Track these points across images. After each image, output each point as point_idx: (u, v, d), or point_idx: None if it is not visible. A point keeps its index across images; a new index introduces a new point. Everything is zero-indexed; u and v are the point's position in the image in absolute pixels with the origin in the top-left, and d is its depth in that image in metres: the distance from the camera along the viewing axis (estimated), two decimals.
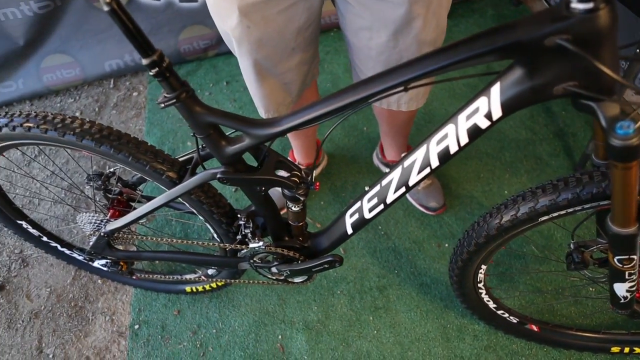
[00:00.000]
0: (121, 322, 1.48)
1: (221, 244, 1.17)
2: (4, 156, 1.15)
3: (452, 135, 0.77)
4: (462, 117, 0.75)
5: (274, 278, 1.20)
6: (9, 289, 1.59)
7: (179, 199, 1.00)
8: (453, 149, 0.78)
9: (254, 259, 1.15)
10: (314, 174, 0.97)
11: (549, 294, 1.42)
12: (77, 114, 2.13)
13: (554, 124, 1.84)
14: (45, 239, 1.40)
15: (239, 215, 1.10)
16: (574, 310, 1.38)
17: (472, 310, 1.26)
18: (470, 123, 0.74)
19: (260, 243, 1.09)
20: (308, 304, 1.46)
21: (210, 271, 1.36)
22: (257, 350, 1.39)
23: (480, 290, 1.18)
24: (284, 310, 1.45)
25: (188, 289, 1.46)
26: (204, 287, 1.44)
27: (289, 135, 1.54)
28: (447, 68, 0.67)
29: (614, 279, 0.91)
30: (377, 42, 1.06)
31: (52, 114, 0.96)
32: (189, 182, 0.94)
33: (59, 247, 1.44)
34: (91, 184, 1.13)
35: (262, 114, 1.26)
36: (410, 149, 1.63)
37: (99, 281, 1.57)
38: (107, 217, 1.16)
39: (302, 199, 0.96)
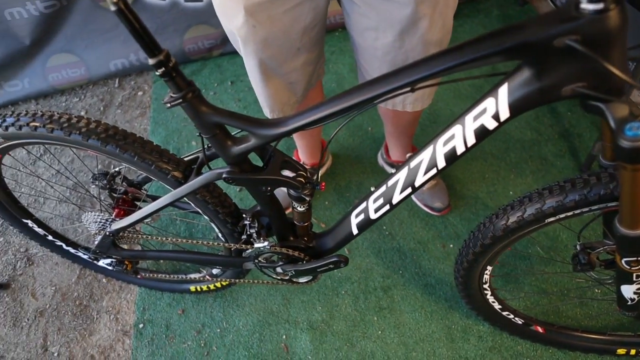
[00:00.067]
0: (126, 321, 1.48)
1: (226, 244, 1.17)
2: (10, 155, 1.16)
3: (459, 136, 0.76)
4: (469, 117, 0.74)
5: (279, 278, 1.20)
6: (14, 287, 1.59)
7: (184, 198, 1.00)
8: (460, 149, 0.77)
9: (259, 258, 1.15)
10: (318, 174, 0.97)
11: (554, 295, 1.41)
12: (82, 113, 2.14)
13: (560, 124, 1.83)
14: (50, 237, 1.40)
15: (244, 215, 1.10)
16: (579, 312, 1.38)
17: (477, 311, 1.26)
18: (477, 124, 0.73)
19: (265, 243, 1.09)
20: (312, 304, 1.46)
21: (214, 271, 1.36)
22: (261, 350, 1.39)
23: (485, 291, 1.17)
24: (288, 310, 1.45)
25: (192, 288, 1.46)
26: (208, 287, 1.44)
27: (294, 135, 1.54)
28: (454, 69, 0.66)
29: (621, 280, 0.91)
30: (383, 42, 1.06)
31: (58, 113, 0.96)
32: (195, 182, 0.94)
33: (64, 245, 1.44)
34: (96, 183, 1.13)
35: (267, 113, 1.26)
36: (415, 149, 1.63)
37: (104, 280, 1.57)
38: (112, 216, 1.16)
39: (307, 199, 0.96)
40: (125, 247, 1.25)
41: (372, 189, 0.96)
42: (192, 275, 1.44)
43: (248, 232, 1.10)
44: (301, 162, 1.66)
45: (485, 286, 1.16)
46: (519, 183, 1.68)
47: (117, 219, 1.14)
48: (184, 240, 1.15)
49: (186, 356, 1.39)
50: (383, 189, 0.92)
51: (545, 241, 1.52)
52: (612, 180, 0.77)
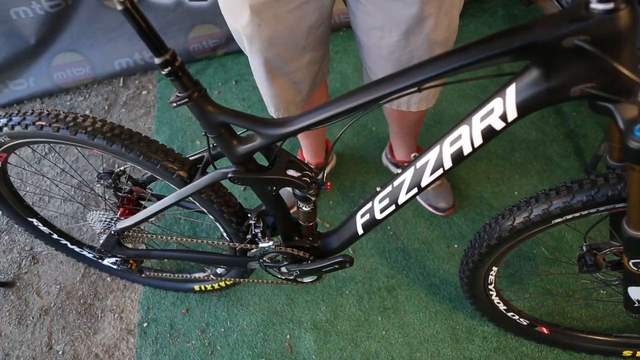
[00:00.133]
0: (130, 319, 1.49)
1: (231, 243, 1.17)
2: (16, 154, 1.16)
3: (466, 137, 0.76)
4: (476, 118, 0.74)
5: (283, 278, 1.20)
6: (19, 285, 1.60)
7: (189, 197, 1.00)
8: (467, 150, 0.77)
9: (264, 258, 1.15)
10: (324, 174, 0.97)
11: (560, 296, 1.41)
12: (87, 112, 2.14)
13: (565, 124, 1.82)
14: (55, 236, 1.40)
15: (249, 215, 1.10)
16: (584, 313, 1.37)
17: (482, 312, 1.26)
18: (484, 124, 0.73)
19: (270, 243, 1.09)
20: (316, 303, 1.46)
21: (219, 270, 1.36)
22: (266, 349, 1.39)
23: (490, 292, 1.17)
24: (293, 310, 1.45)
25: (197, 287, 1.46)
26: (212, 286, 1.44)
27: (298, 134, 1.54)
28: (462, 69, 0.66)
29: (628, 282, 0.90)
30: (389, 41, 1.05)
31: (64, 112, 0.96)
32: (200, 182, 0.94)
33: (68, 244, 1.45)
34: (101, 182, 1.13)
35: (272, 112, 1.26)
36: (419, 149, 1.63)
37: (108, 279, 1.58)
38: (117, 215, 1.16)
39: (313, 199, 0.96)
40: (129, 246, 1.25)
41: (378, 189, 0.95)
42: (196, 275, 1.44)
43: (253, 232, 1.10)
44: (305, 162, 1.66)
45: (491, 287, 1.15)
46: (524, 183, 1.67)
47: (121, 218, 1.14)
48: (189, 240, 1.15)
49: (190, 355, 1.39)
50: (389, 189, 0.92)
51: (551, 242, 1.51)
52: (620, 181, 0.77)
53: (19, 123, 0.95)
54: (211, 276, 1.40)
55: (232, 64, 2.24)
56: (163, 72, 0.74)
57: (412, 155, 1.60)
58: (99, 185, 1.14)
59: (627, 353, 1.24)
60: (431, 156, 0.82)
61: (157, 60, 0.73)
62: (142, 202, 1.19)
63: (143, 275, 1.40)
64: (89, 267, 1.60)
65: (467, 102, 1.93)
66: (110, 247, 1.21)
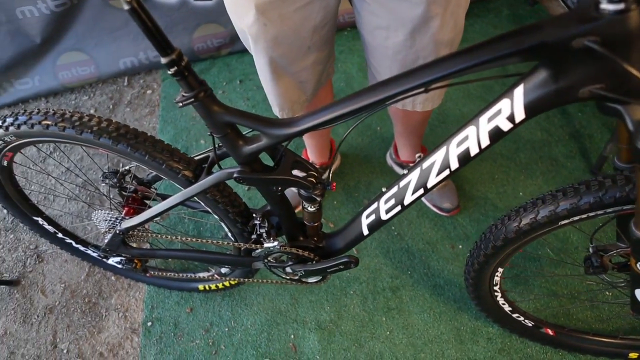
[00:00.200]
0: (134, 318, 1.49)
1: (235, 243, 1.17)
2: (21, 153, 1.16)
3: (473, 137, 0.76)
4: (483, 119, 0.74)
5: (288, 278, 1.20)
6: (24, 284, 1.60)
7: (194, 197, 1.00)
8: (473, 151, 0.77)
9: (269, 258, 1.15)
10: (330, 174, 0.96)
11: (565, 298, 1.40)
12: (92, 111, 2.14)
13: (570, 125, 1.81)
14: (60, 235, 1.41)
15: (254, 215, 1.10)
16: (590, 315, 1.37)
17: (487, 313, 1.25)
18: (492, 125, 0.73)
19: (275, 243, 1.09)
20: (321, 303, 1.46)
21: (223, 270, 1.36)
22: (270, 349, 1.39)
23: (495, 293, 1.17)
24: (297, 310, 1.45)
25: (201, 287, 1.46)
26: (216, 286, 1.44)
27: None
28: (469, 70, 0.66)
29: (636, 284, 0.90)
30: (394, 41, 1.05)
31: (69, 111, 0.96)
32: (205, 181, 0.94)
33: (73, 243, 1.45)
34: (106, 181, 1.13)
35: (277, 112, 1.26)
36: (424, 149, 1.62)
37: (113, 278, 1.58)
38: (122, 215, 1.16)
39: (318, 199, 0.96)
40: (134, 245, 1.26)
41: (384, 189, 0.95)
42: (201, 274, 1.44)
43: (258, 232, 1.10)
44: (310, 162, 1.66)
45: (496, 288, 1.15)
46: (529, 184, 1.66)
47: (126, 218, 1.15)
48: (193, 239, 1.16)
49: (194, 354, 1.40)
50: (395, 189, 0.92)
51: (556, 243, 1.51)
52: (628, 182, 0.76)
53: (25, 122, 0.95)
54: (215, 276, 1.40)
55: (236, 63, 2.24)
56: (169, 72, 0.74)
57: (417, 155, 1.60)
58: (103, 184, 1.14)
59: (633, 355, 1.23)
60: (438, 157, 0.82)
61: (163, 60, 0.73)
62: (147, 202, 1.19)
63: (147, 275, 1.40)
64: (94, 266, 1.60)
65: (472, 103, 1.92)
66: (115, 246, 1.21)
